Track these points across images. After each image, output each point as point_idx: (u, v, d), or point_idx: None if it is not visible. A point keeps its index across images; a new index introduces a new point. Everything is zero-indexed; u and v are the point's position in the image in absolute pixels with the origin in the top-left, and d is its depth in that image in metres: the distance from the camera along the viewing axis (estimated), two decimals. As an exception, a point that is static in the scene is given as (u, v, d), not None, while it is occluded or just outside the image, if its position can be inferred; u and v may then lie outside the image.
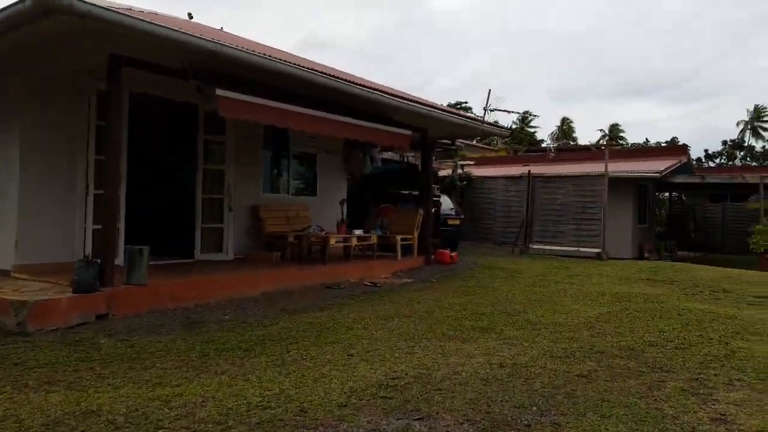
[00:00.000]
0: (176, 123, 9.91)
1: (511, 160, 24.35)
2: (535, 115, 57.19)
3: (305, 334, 5.62)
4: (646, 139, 56.60)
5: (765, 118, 58.86)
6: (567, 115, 74.27)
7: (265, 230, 9.93)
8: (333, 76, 8.05)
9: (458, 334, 5.73)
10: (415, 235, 11.26)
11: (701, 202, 24.93)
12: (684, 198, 27.23)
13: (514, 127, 52.53)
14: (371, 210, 12.19)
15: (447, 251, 12.23)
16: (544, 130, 62.65)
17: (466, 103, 49.55)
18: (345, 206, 11.71)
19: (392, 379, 4.22)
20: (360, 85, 8.59)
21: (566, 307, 7.35)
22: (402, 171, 15.44)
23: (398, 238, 10.79)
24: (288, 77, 7.48)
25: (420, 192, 12.21)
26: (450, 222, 14.92)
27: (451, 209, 15.58)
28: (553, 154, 23.84)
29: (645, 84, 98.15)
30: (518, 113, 47.25)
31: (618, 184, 16.20)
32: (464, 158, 21.17)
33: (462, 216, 16.18)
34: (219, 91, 6.63)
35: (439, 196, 14.89)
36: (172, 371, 4.36)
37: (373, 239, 10.45)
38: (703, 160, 55.09)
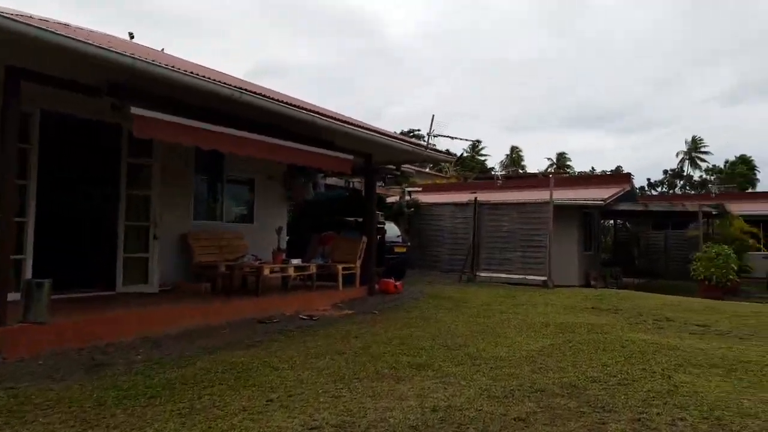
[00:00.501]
0: (97, 144, 9.23)
1: (459, 186, 24.34)
2: (478, 141, 58.10)
3: (223, 377, 5.09)
4: (592, 168, 58.35)
5: (702, 149, 61.81)
6: (516, 143, 75.85)
7: (195, 260, 9.30)
8: (262, 95, 7.63)
9: (393, 373, 5.34)
10: (358, 264, 10.82)
11: (645, 230, 25.46)
12: (628, 225, 27.81)
13: (465, 155, 53.26)
14: (313, 238, 11.71)
15: (391, 281, 11.83)
16: (495, 158, 63.72)
17: (418, 130, 49.88)
18: (283, 233, 11.19)
19: (310, 429, 3.80)
20: (293, 105, 8.19)
21: (509, 340, 7.06)
22: (346, 197, 15.04)
23: (339, 267, 10.32)
24: (217, 97, 7.05)
25: (363, 219, 11.82)
26: (396, 249, 14.58)
27: (398, 236, 15.24)
28: (500, 182, 24.01)
29: (592, 115, 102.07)
30: (461, 139, 47.82)
31: (563, 211, 16.25)
32: (413, 185, 21.01)
33: (409, 243, 15.86)
34: (134, 110, 6.10)
35: (384, 223, 14.54)
36: (56, 426, 3.78)
37: (312, 269, 9.94)
38: (646, 188, 57.23)
